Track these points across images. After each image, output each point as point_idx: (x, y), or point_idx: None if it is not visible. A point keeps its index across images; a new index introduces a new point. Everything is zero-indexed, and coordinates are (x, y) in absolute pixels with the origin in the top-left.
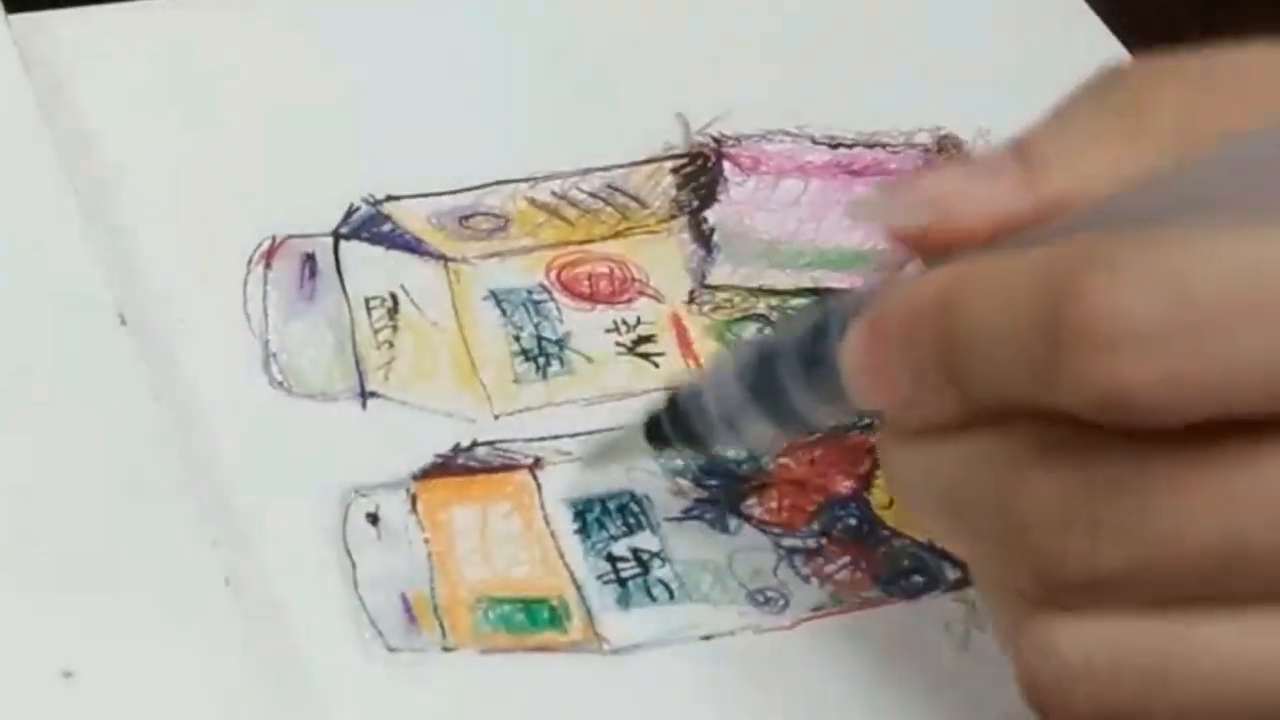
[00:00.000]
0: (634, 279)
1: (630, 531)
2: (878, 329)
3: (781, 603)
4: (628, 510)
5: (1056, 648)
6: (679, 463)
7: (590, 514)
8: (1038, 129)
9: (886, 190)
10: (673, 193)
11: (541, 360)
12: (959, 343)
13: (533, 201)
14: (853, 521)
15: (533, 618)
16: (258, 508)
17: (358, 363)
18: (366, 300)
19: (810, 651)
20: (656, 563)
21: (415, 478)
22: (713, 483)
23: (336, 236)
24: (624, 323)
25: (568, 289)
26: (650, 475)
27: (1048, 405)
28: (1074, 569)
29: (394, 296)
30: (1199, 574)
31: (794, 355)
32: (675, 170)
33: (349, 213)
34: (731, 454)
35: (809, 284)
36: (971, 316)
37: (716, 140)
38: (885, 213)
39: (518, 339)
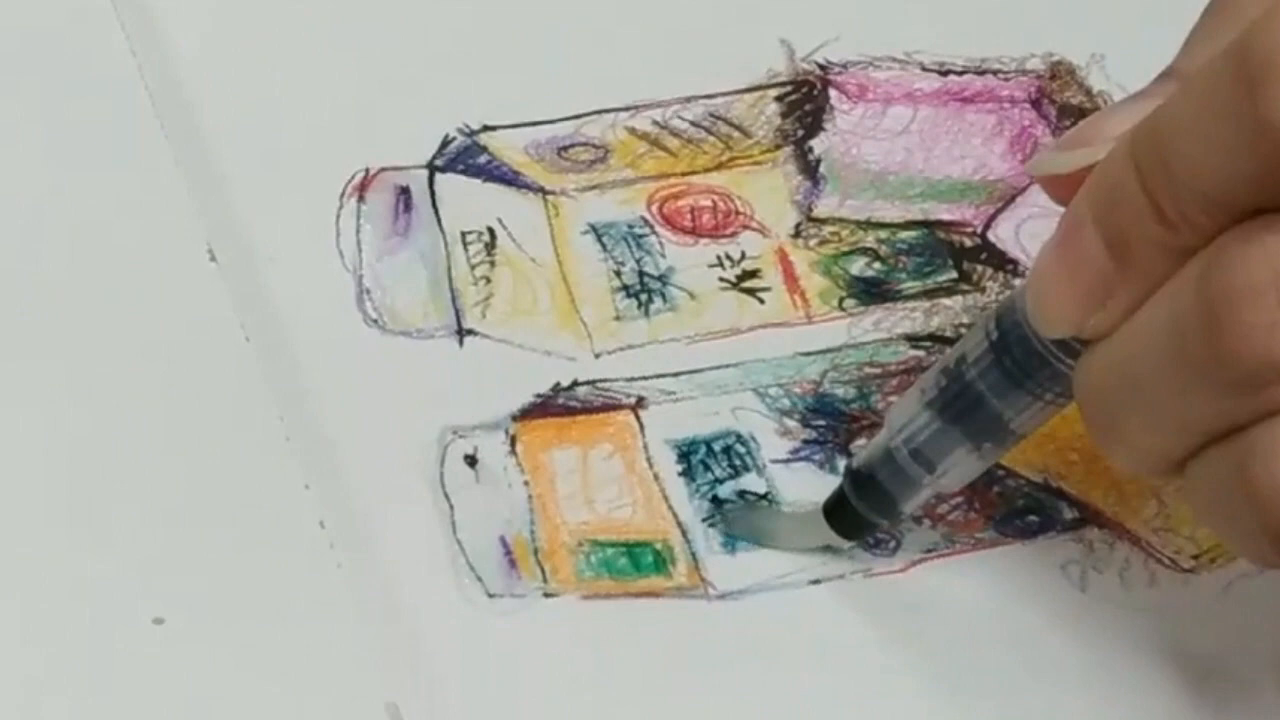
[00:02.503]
0: (738, 211)
1: (736, 473)
2: (1069, 226)
3: (892, 545)
4: (733, 451)
5: None
6: (786, 402)
7: (695, 455)
8: (1182, 52)
9: (1061, 143)
10: (777, 121)
11: (643, 296)
12: (1164, 154)
13: (633, 131)
14: None
15: (636, 562)
16: (352, 449)
17: (454, 299)
18: (463, 234)
19: (922, 595)
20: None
21: (514, 418)
22: (821, 423)
23: (431, 169)
24: (728, 257)
25: (669, 222)
26: (756, 415)
27: (1268, 194)
28: None
29: (491, 231)
30: None
31: (985, 361)
32: (780, 98)
33: (444, 144)
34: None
35: (919, 216)
36: (1170, 127)
37: (822, 67)
38: (1065, 163)
39: (619, 274)
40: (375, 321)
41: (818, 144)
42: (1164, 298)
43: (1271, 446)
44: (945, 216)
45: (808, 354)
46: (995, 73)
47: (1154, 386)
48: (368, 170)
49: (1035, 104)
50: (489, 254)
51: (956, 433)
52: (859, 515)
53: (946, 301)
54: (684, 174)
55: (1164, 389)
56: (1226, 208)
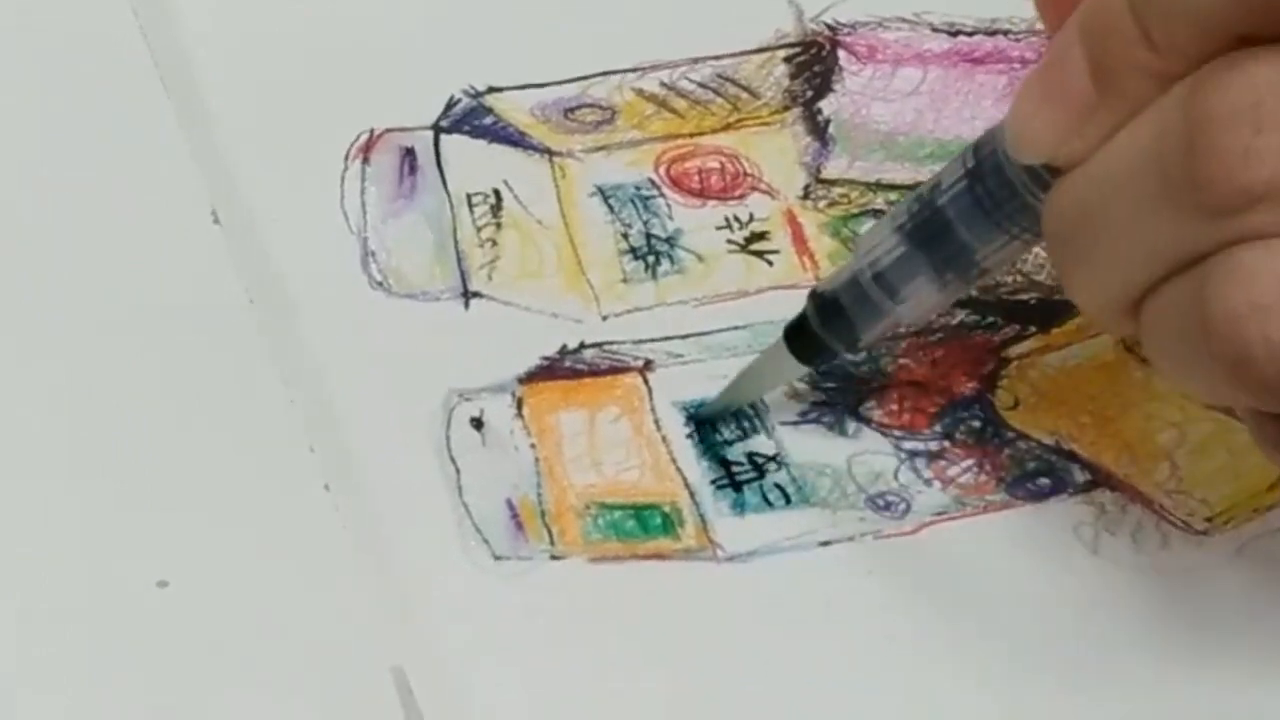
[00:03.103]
0: (746, 173)
1: (745, 435)
2: (1055, 50)
3: (903, 507)
4: (742, 414)
5: (1250, 273)
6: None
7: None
8: None
9: None
10: (786, 83)
11: (651, 259)
12: None
13: (640, 92)
14: (976, 423)
15: (644, 524)
16: (357, 412)
17: (460, 261)
18: (469, 196)
19: (933, 557)
20: (772, 466)
21: (520, 381)
22: (830, 385)
23: (437, 130)
24: (736, 219)
25: (677, 184)
26: None
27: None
28: (1266, 168)
29: (497, 192)
30: None
31: (958, 187)
32: (788, 59)
33: (450, 105)
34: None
35: (927, 177)
36: None
37: (831, 28)
38: None
39: (626, 236)
40: (380, 284)
41: (827, 105)
42: (1143, 123)
43: (1229, 273)
44: None
45: None
46: (1006, 33)
47: (1123, 212)
48: (372, 131)
49: None
50: (495, 216)
51: (922, 259)
52: (818, 339)
53: None
54: (692, 135)
55: (1133, 214)
56: (1213, 34)
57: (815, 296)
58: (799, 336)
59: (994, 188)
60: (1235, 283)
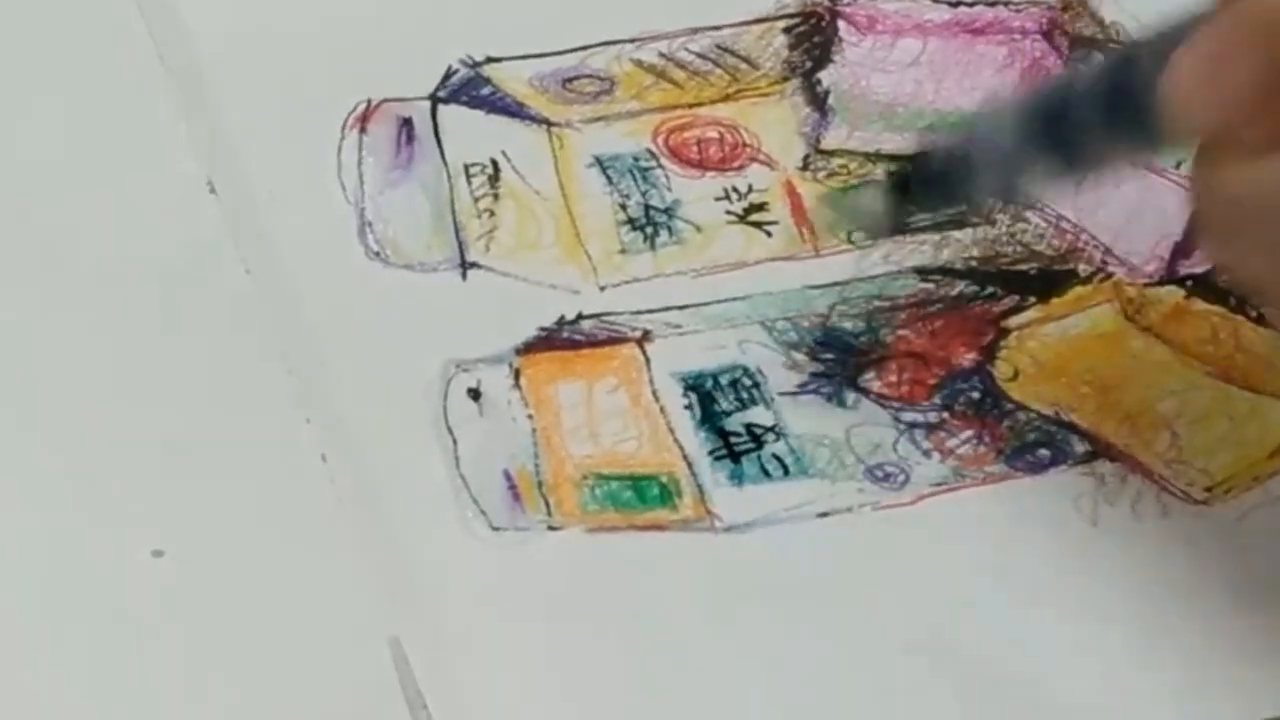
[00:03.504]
0: (745, 144)
1: (743, 406)
2: (1218, 40)
3: (901, 478)
4: (740, 385)
5: None
6: (793, 335)
7: (702, 388)
8: None
9: None
10: (785, 53)
11: (649, 229)
12: None
13: (639, 63)
14: (975, 394)
15: (642, 495)
16: (354, 383)
17: (457, 232)
18: (466, 167)
19: (931, 529)
20: (771, 437)
21: (518, 352)
22: (829, 356)
23: (434, 100)
24: (735, 190)
25: (676, 155)
26: (764, 349)
27: None
28: None
29: (495, 163)
30: None
31: (1091, 93)
32: (787, 30)
33: (447, 75)
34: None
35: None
36: None
37: None
38: None
39: (624, 207)
40: (377, 255)
41: (826, 76)
42: None
43: None
44: None
45: (815, 287)
46: (1006, 4)
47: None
48: (369, 102)
49: (1047, 35)
50: (493, 186)
51: (1040, 152)
52: (919, 197)
53: (956, 234)
54: (690, 106)
55: None
56: None
57: (921, 158)
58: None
59: (1126, 110)
60: None
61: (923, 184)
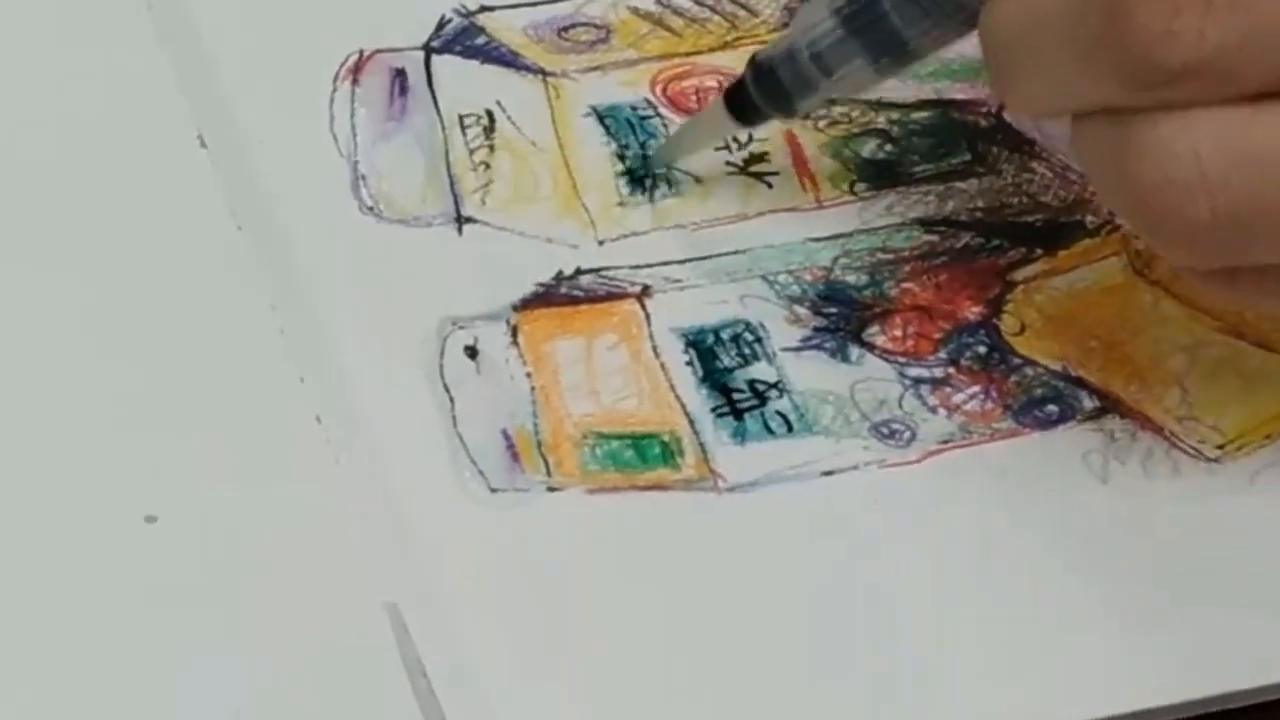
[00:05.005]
0: None
1: (745, 362)
2: None
3: (907, 435)
4: (742, 340)
5: (1166, 147)
6: (796, 289)
7: (703, 344)
8: None
9: None
10: (784, 0)
11: (648, 181)
12: None
13: (635, 11)
14: (982, 349)
15: (643, 454)
16: (348, 341)
17: (452, 185)
18: (461, 118)
19: (938, 486)
20: (774, 394)
21: (515, 308)
22: (832, 310)
23: (428, 50)
24: (735, 140)
25: (674, 104)
26: (765, 303)
27: None
28: (1182, 49)
29: (490, 114)
30: None
31: None
32: None
33: (440, 24)
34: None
35: (931, 95)
36: None
37: None
38: None
39: (622, 159)
40: (371, 209)
41: None
42: None
43: (1147, 144)
44: (959, 96)
45: (818, 240)
46: None
47: (1053, 49)
48: (362, 52)
49: None
50: (488, 138)
51: (857, 45)
52: (755, 103)
53: (960, 185)
54: (688, 54)
55: (1061, 54)
56: None
57: (754, 64)
58: (738, 98)
59: None
60: (1152, 154)
61: (759, 88)
